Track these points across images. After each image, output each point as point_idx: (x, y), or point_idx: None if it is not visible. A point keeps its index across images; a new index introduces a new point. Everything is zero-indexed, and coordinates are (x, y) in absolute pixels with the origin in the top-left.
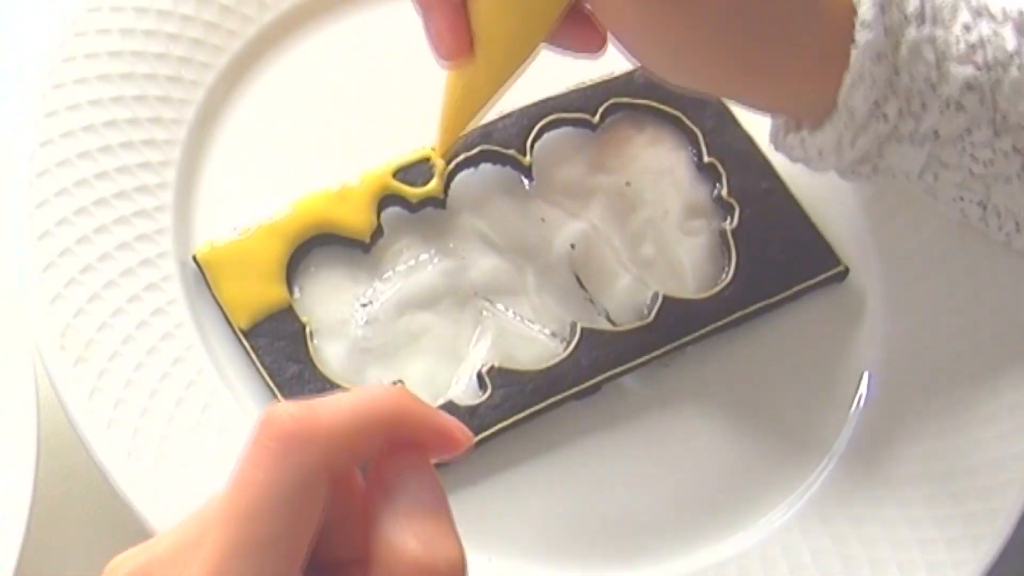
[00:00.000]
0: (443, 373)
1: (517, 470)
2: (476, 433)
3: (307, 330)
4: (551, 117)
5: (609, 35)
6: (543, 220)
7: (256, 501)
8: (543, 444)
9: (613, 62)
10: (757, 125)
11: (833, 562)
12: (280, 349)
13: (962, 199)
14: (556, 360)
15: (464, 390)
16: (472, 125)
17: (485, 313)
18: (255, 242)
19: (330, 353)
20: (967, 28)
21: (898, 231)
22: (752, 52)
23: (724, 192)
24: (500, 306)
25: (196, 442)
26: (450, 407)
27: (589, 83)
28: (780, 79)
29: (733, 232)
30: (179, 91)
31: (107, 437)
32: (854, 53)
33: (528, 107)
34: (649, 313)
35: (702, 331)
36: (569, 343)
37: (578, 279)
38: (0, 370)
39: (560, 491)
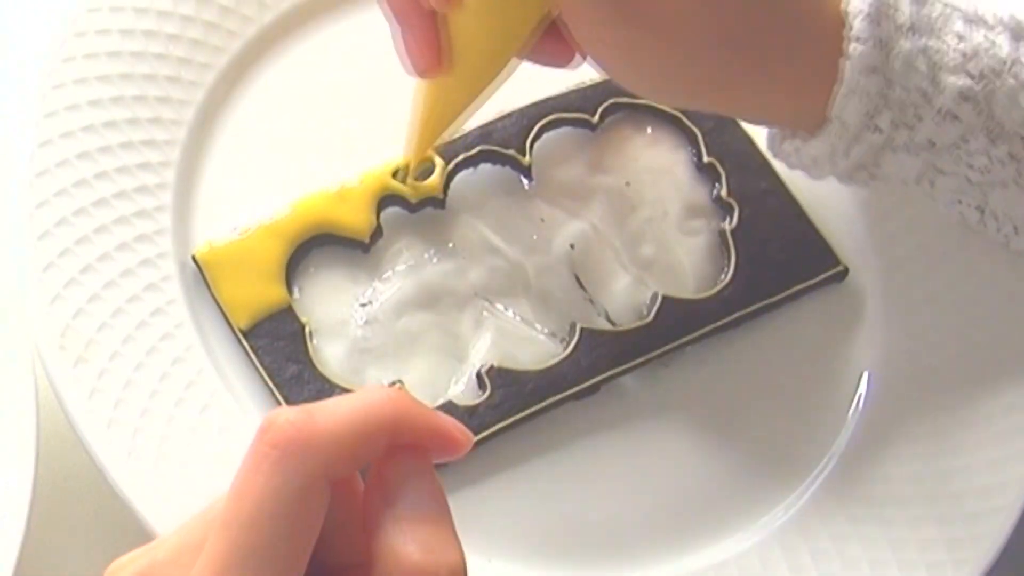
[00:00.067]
0: (443, 373)
1: (516, 470)
2: (475, 433)
3: (307, 330)
4: (551, 117)
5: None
6: (543, 220)
7: (256, 508)
8: (543, 444)
9: None
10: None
11: (833, 562)
12: (280, 349)
13: (960, 203)
14: (555, 360)
15: (464, 390)
16: (444, 139)
17: (485, 313)
18: (255, 242)
19: (330, 353)
20: (960, 37)
21: (898, 231)
22: (735, 73)
23: (723, 192)
24: (500, 306)
25: (196, 442)
26: (449, 407)
27: (589, 83)
28: (767, 96)
29: (732, 232)
30: (179, 92)
31: (107, 437)
32: (846, 67)
33: (528, 107)
34: (648, 313)
35: (701, 331)
36: (568, 343)
37: (577, 279)
38: (0, 370)
39: (560, 491)
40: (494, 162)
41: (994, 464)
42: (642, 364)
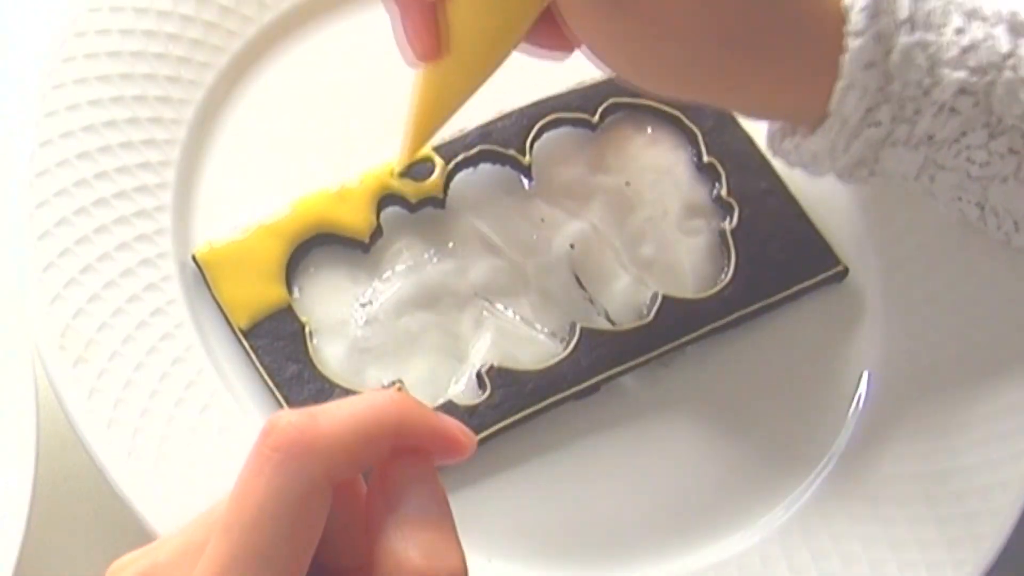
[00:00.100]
0: (443, 373)
1: (516, 470)
2: (476, 433)
3: (307, 330)
4: (551, 117)
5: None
6: (543, 220)
7: (257, 511)
8: (543, 444)
9: None
10: (757, 125)
11: (833, 562)
12: (280, 349)
13: (960, 199)
14: (556, 360)
15: (464, 390)
16: (442, 128)
17: (485, 313)
18: (255, 242)
19: (330, 353)
20: (959, 31)
21: (898, 231)
22: (734, 66)
23: (723, 192)
24: (500, 306)
25: (196, 442)
26: (449, 407)
27: (589, 83)
28: (766, 90)
29: (732, 232)
30: (179, 91)
31: (107, 437)
32: (845, 61)
33: (528, 107)
34: (648, 313)
35: (701, 331)
36: (568, 343)
37: (578, 279)
38: (0, 370)
39: (560, 491)
40: (494, 162)
41: (994, 464)
42: (642, 364)
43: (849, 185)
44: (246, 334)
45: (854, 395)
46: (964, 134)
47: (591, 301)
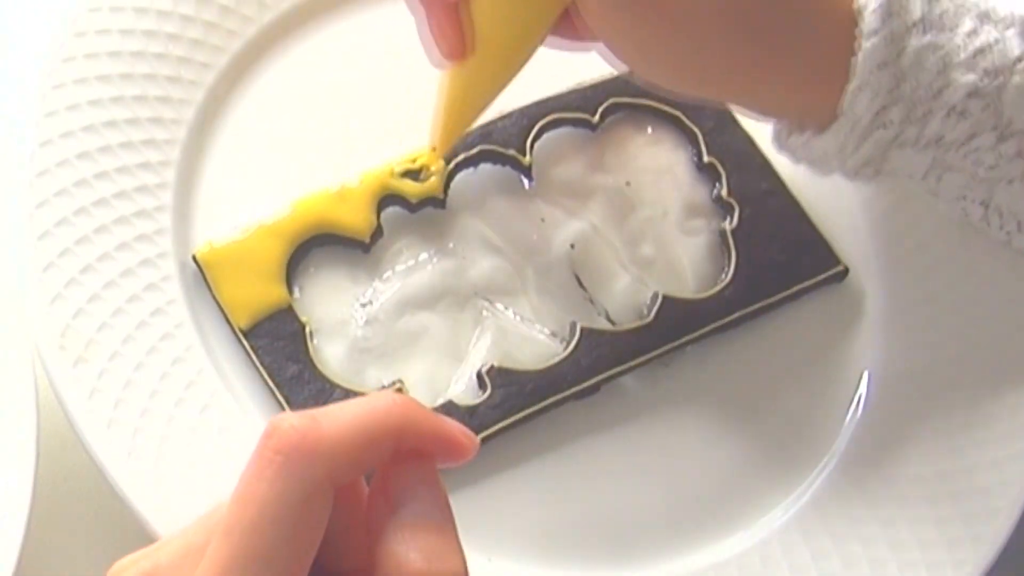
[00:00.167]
0: (443, 373)
1: (517, 470)
2: (476, 433)
3: (307, 330)
4: (551, 117)
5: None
6: (543, 220)
7: (258, 514)
8: (543, 444)
9: None
10: (757, 125)
11: (833, 562)
12: (280, 349)
13: (964, 199)
14: (556, 360)
15: (464, 390)
16: (472, 124)
17: (485, 313)
18: (255, 242)
19: (330, 353)
20: (971, 34)
21: (898, 231)
22: (745, 63)
23: (724, 192)
24: (500, 306)
25: (196, 442)
26: (450, 407)
27: (589, 83)
28: (777, 88)
29: (733, 232)
30: (179, 91)
31: (107, 437)
32: (857, 62)
33: (528, 107)
34: (649, 313)
35: (702, 331)
36: (569, 343)
37: (578, 279)
38: (0, 370)
39: (560, 491)
40: (494, 162)
41: (994, 464)
42: (642, 364)
43: (851, 184)
44: (246, 334)
45: (854, 395)
46: (973, 136)
47: (591, 301)
